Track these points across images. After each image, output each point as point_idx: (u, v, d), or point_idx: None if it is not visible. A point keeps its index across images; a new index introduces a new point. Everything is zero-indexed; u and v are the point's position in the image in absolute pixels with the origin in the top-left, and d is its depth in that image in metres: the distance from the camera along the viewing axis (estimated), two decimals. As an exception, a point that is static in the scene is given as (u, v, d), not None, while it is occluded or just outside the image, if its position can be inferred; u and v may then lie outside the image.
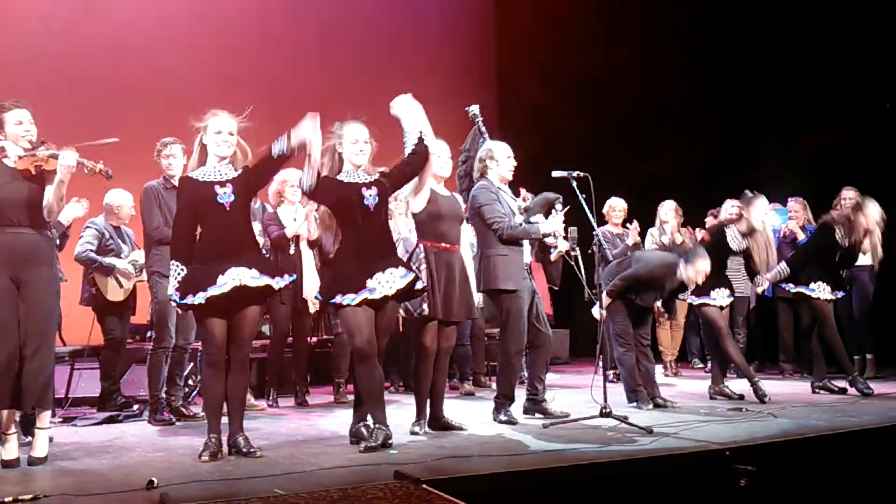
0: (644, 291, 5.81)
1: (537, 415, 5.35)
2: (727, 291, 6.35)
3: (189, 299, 4.13)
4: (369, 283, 4.27)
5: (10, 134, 4.17)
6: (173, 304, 4.28)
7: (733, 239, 6.34)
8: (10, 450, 4.04)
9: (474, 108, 5.87)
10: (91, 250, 6.14)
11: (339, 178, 4.43)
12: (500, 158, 5.34)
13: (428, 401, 4.94)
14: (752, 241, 6.29)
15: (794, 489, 4.20)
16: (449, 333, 4.95)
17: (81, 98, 8.50)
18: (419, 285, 4.47)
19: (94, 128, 7.77)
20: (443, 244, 4.84)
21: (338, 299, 4.27)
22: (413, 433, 4.79)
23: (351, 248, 4.39)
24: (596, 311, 5.87)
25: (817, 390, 6.62)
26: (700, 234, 6.39)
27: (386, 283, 4.30)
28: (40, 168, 4.14)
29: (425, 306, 4.73)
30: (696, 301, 6.31)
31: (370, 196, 4.37)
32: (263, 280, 4.18)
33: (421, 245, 4.85)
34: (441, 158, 4.98)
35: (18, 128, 4.16)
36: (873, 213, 6.41)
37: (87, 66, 8.69)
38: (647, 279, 5.77)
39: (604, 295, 5.65)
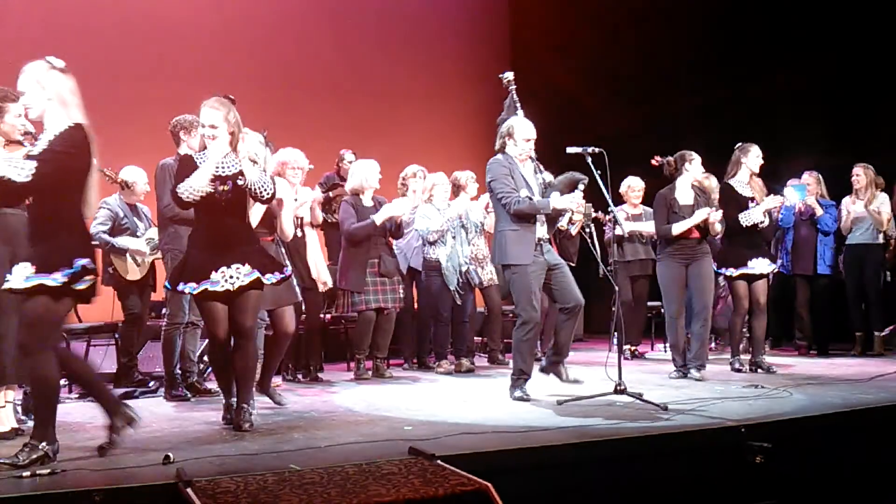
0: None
1: (552, 375, 5.37)
2: (766, 260, 6.29)
3: (181, 287, 4.27)
4: (214, 275, 4.24)
5: (7, 124, 4.10)
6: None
7: (738, 184, 6.28)
8: (6, 422, 4.11)
9: (508, 76, 5.70)
10: (104, 232, 6.13)
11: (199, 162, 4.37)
12: (518, 139, 5.21)
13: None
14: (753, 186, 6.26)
15: (810, 466, 4.19)
16: (290, 318, 5.19)
17: (92, 77, 8.41)
18: (270, 280, 4.38)
19: (107, 106, 7.84)
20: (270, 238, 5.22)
21: (181, 287, 4.32)
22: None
23: (202, 235, 4.39)
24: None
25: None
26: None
27: (231, 277, 4.25)
28: None
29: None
30: (735, 273, 6.20)
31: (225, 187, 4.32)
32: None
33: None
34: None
35: (17, 120, 4.10)
36: None
37: (100, 44, 8.64)
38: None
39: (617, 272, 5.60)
